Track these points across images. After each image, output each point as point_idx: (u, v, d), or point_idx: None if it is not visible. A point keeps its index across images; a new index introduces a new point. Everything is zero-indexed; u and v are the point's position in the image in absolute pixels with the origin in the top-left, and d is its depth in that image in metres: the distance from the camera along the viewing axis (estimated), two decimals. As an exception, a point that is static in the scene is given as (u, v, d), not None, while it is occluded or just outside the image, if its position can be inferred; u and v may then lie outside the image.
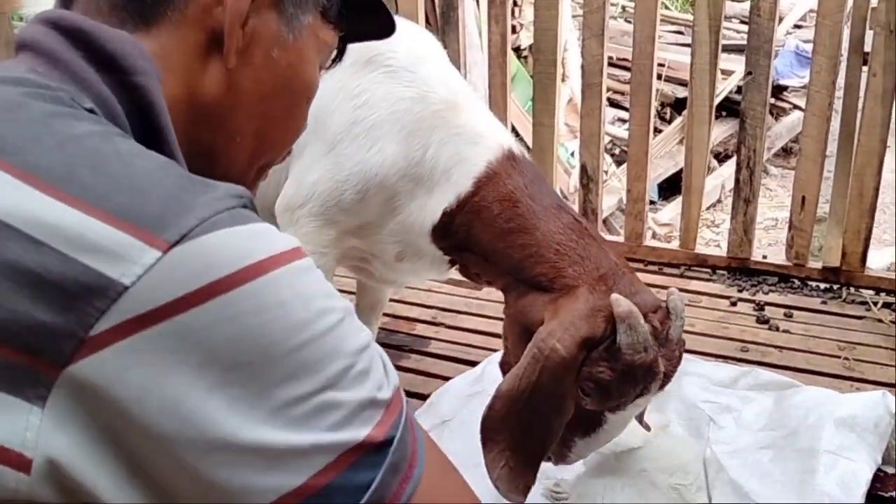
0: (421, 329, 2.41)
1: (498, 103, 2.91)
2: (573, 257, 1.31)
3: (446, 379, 2.05)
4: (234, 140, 0.80)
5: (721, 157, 5.91)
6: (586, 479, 1.55)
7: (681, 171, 3.11)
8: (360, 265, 1.68)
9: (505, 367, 1.45)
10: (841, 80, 2.46)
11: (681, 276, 2.73)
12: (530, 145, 2.94)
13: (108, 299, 0.54)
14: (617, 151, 5.55)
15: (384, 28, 0.98)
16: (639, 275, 2.69)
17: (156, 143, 0.68)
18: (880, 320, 2.40)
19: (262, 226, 0.61)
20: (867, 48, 2.40)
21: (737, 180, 2.68)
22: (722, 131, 5.77)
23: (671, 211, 5.08)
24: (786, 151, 6.34)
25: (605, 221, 4.02)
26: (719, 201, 5.55)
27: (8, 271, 0.54)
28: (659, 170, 5.38)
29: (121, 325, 0.54)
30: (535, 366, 1.24)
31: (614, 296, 1.23)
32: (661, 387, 1.29)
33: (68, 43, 0.68)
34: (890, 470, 1.71)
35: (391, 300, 2.53)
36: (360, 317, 2.04)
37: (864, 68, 2.41)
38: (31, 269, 0.54)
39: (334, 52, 0.91)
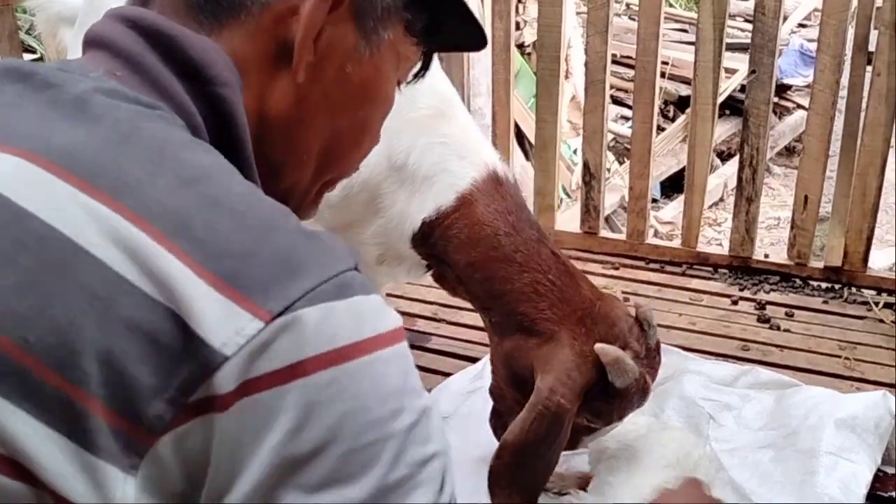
0: (421, 325, 2.41)
1: (501, 100, 2.90)
2: (552, 298, 1.33)
3: (446, 375, 2.05)
4: (300, 157, 0.77)
5: (724, 156, 5.90)
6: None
7: (683, 169, 3.10)
8: None
9: (495, 393, 1.48)
10: (845, 80, 2.45)
11: (682, 274, 2.73)
12: (533, 142, 2.94)
13: (209, 368, 0.53)
14: (620, 149, 5.54)
15: (473, 38, 0.89)
16: (640, 273, 2.72)
17: (234, 159, 0.66)
18: (882, 320, 2.39)
19: (361, 301, 0.58)
20: (871, 47, 2.39)
21: (739, 179, 2.67)
22: (725, 130, 5.76)
23: (673, 209, 5.07)
24: (789, 151, 6.33)
25: (607, 219, 4.01)
26: (721, 200, 5.54)
27: (121, 327, 0.53)
28: (661, 168, 5.37)
29: (217, 396, 0.54)
30: (542, 421, 1.28)
31: (598, 346, 1.29)
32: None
33: (149, 46, 0.66)
34: (890, 470, 1.71)
35: (391, 295, 2.53)
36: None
37: (868, 68, 2.40)
38: (144, 327, 0.53)
39: (417, 67, 0.86)
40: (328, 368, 0.55)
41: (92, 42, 0.68)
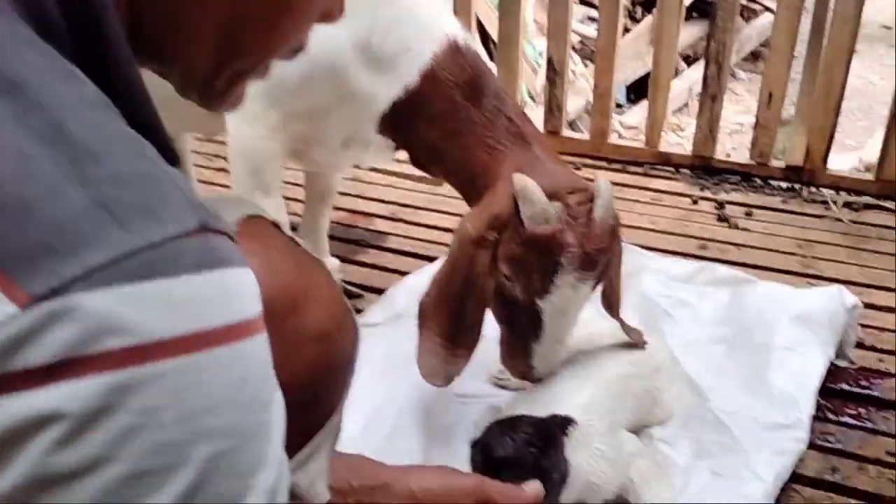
0: (379, 224, 2.36)
1: (463, -5, 2.80)
2: (500, 158, 1.34)
3: (404, 274, 2.02)
4: (187, 37, 0.63)
5: (690, 61, 5.81)
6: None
7: (649, 74, 3.04)
8: (304, 149, 1.61)
9: None
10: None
11: (644, 174, 2.70)
12: (496, 39, 2.84)
13: None
14: (587, 51, 5.43)
15: None
16: (602, 173, 2.69)
17: (95, 40, 0.54)
18: (839, 219, 2.40)
19: (186, 282, 0.45)
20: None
21: (704, 77, 2.62)
22: (691, 33, 5.66)
23: (638, 114, 5.01)
24: (754, 56, 6.26)
25: (571, 124, 3.94)
26: (686, 105, 5.48)
27: None
28: (627, 71, 5.28)
29: None
30: (453, 249, 1.33)
31: (515, 174, 1.27)
32: (587, 268, 1.28)
33: None
34: (842, 364, 1.73)
35: (349, 194, 2.47)
36: (310, 206, 1.96)
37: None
38: None
39: None
40: (114, 371, 0.43)
41: None
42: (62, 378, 0.42)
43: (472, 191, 1.39)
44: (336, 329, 0.84)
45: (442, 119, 1.38)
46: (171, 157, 0.53)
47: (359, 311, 1.90)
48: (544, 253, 1.25)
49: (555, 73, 2.74)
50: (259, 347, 0.49)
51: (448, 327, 1.36)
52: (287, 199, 1.64)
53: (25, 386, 0.42)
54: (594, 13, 5.34)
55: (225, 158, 2.69)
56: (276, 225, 0.87)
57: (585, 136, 2.86)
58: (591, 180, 1.33)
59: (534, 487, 1.13)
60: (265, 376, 0.50)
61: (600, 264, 1.30)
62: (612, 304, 1.46)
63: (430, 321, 1.37)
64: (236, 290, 0.48)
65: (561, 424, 1.27)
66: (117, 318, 0.43)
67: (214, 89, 0.69)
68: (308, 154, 1.63)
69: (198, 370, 0.45)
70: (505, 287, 1.32)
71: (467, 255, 1.30)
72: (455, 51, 1.39)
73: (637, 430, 1.49)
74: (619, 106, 5.02)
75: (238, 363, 0.48)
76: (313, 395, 0.84)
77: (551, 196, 1.25)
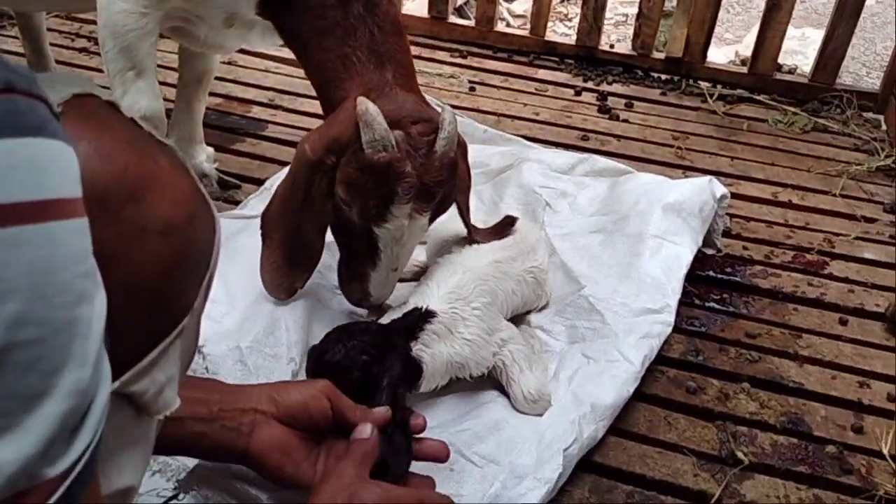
0: (257, 111, 2.27)
1: None
2: (352, 72, 1.33)
3: (283, 164, 1.95)
4: None
5: (579, -52, 5.75)
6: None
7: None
8: (185, 27, 1.52)
9: None
10: None
11: (528, 63, 2.68)
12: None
13: None
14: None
15: None
16: (487, 62, 2.65)
17: None
18: (714, 112, 2.46)
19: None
20: None
21: (590, -35, 2.59)
22: (581, -81, 5.57)
23: (525, 3, 4.95)
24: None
25: (458, 10, 3.86)
26: (574, -6, 5.45)
27: None
28: (516, -43, 5.17)
29: None
30: (292, 167, 1.33)
31: (359, 98, 1.25)
32: (424, 199, 1.27)
33: None
34: (709, 251, 1.81)
35: (225, 80, 2.35)
36: (185, 91, 1.87)
37: None
38: None
39: None
40: None
41: None
42: None
43: (324, 97, 1.37)
44: (185, 221, 0.77)
45: (311, 13, 1.34)
46: None
47: (237, 202, 1.83)
48: (381, 181, 1.24)
49: (440, -46, 2.65)
50: (74, 233, 0.45)
51: (287, 244, 1.36)
52: (159, 84, 1.54)
53: None
54: None
55: (87, 38, 2.51)
56: (112, 105, 0.79)
57: (471, 23, 2.80)
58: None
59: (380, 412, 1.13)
60: (81, 267, 0.46)
61: (438, 196, 1.28)
62: (465, 221, 1.48)
63: (271, 234, 1.38)
64: (48, 165, 0.44)
65: (420, 318, 1.28)
66: None
67: None
68: (191, 32, 1.53)
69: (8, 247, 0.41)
70: (342, 210, 1.30)
71: (304, 176, 1.29)
72: None
73: (519, 316, 1.52)
74: (507, -7, 4.94)
75: (44, 246, 0.43)
76: (159, 295, 0.77)
77: (394, 124, 1.24)
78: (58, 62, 2.27)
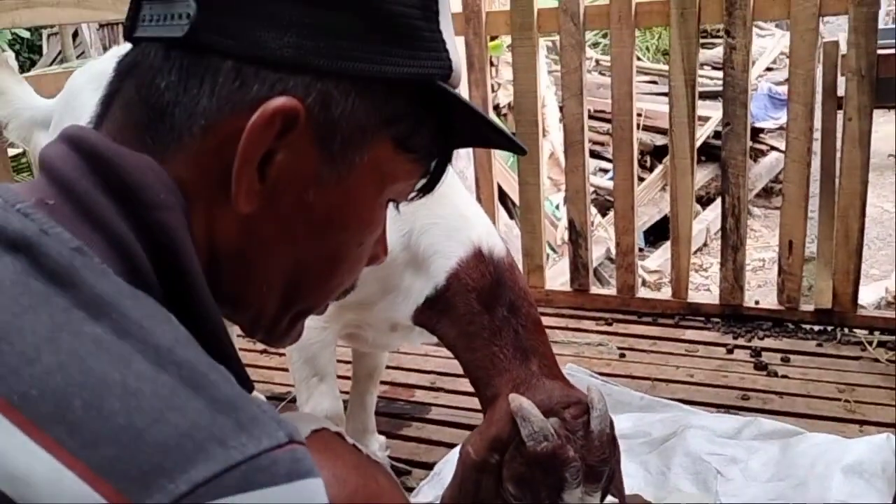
0: (420, 395, 2.39)
1: (483, 164, 2.95)
2: (501, 369, 1.41)
3: (450, 446, 2.03)
4: (258, 288, 0.70)
5: (703, 202, 5.96)
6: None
7: (665, 217, 3.14)
8: (355, 332, 1.71)
9: None
10: (818, 123, 2.51)
11: (675, 325, 2.74)
12: (515, 201, 2.97)
13: None
14: (601, 201, 5.59)
15: (496, 138, 0.78)
16: (633, 327, 2.73)
17: (182, 290, 0.61)
18: (877, 360, 2.41)
19: (282, 492, 0.49)
20: (840, 92, 2.45)
21: (723, 229, 2.70)
22: (702, 176, 5.85)
23: (659, 257, 5.10)
24: (767, 192, 6.42)
25: (594, 272, 4.03)
26: (705, 244, 5.58)
27: None
28: (644, 217, 5.42)
29: None
30: (457, 470, 1.37)
31: (511, 395, 1.32)
32: (592, 480, 1.30)
33: (87, 169, 0.60)
34: (901, 514, 1.70)
35: (389, 366, 2.52)
36: (359, 385, 2.02)
37: (839, 112, 2.46)
38: None
39: (424, 180, 0.76)
40: None
41: (40, 163, 0.64)
42: None
43: (478, 392, 1.47)
44: None
45: (460, 320, 1.47)
46: (247, 384, 0.59)
47: (409, 489, 1.90)
48: (548, 470, 1.28)
49: (577, 234, 2.84)
50: None
51: None
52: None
53: None
54: (605, 164, 5.54)
55: (265, 339, 2.78)
56: (340, 435, 0.92)
57: (613, 291, 2.92)
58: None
59: None
60: None
61: (605, 474, 1.32)
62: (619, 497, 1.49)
63: None
64: (320, 498, 0.52)
65: None
66: None
67: (278, 329, 0.75)
68: (362, 336, 1.71)
69: None
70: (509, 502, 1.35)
71: (471, 479, 1.34)
72: (479, 257, 1.49)
73: None
74: (639, 250, 5.12)
75: None
76: None
77: (547, 412, 1.31)
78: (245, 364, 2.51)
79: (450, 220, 1.51)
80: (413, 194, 0.78)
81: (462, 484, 1.37)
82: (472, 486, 1.35)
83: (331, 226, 0.69)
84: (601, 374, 2.30)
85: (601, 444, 1.31)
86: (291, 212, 0.66)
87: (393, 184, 0.72)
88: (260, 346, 2.73)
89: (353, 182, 0.67)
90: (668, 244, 2.91)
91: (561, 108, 2.84)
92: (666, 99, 2.70)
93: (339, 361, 2.20)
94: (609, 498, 1.49)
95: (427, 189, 0.78)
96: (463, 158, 3.71)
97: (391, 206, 0.77)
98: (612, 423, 1.41)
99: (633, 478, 1.83)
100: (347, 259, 0.73)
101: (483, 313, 1.46)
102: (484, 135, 0.78)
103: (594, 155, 5.76)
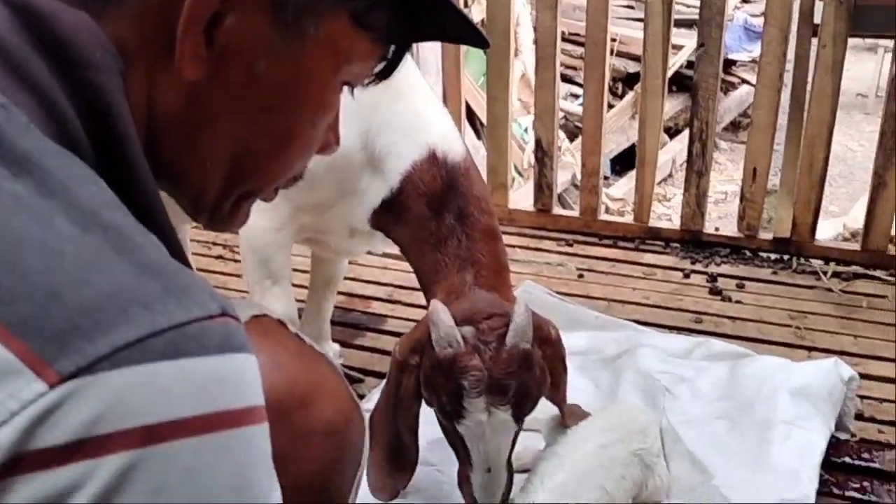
0: (377, 307, 2.38)
1: (451, 78, 2.88)
2: (440, 277, 1.42)
3: (403, 357, 2.02)
4: (201, 163, 0.67)
5: (672, 133, 5.95)
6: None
7: (633, 146, 3.12)
8: (315, 237, 1.68)
9: None
10: (791, 52, 2.48)
11: (635, 249, 2.74)
12: (484, 120, 2.92)
13: None
14: (570, 127, 5.55)
15: (462, 30, 0.76)
16: (594, 249, 2.72)
17: (115, 156, 0.58)
18: (830, 289, 2.44)
19: (205, 363, 0.47)
20: (816, 20, 2.41)
21: (689, 153, 2.69)
22: (672, 106, 5.81)
23: (624, 186, 5.10)
24: (734, 126, 6.41)
25: (559, 197, 4.01)
26: (670, 176, 5.59)
27: None
28: (611, 145, 5.39)
29: None
30: (388, 372, 1.41)
31: (433, 301, 1.34)
32: (496, 393, 1.29)
33: (19, 24, 0.56)
34: (843, 436, 1.74)
35: (346, 277, 2.49)
36: (316, 293, 2.01)
37: (814, 40, 2.43)
38: None
39: (380, 65, 0.73)
40: (130, 451, 0.44)
41: None
42: (80, 458, 0.43)
43: (425, 298, 1.46)
44: (344, 424, 0.85)
45: (411, 225, 1.46)
46: (184, 262, 0.56)
47: (361, 396, 1.90)
48: (449, 376, 1.28)
49: (543, 153, 2.81)
50: (265, 436, 0.51)
51: (388, 445, 1.41)
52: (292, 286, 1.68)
53: (44, 466, 0.43)
54: (576, 90, 5.48)
55: (223, 246, 2.73)
56: (282, 323, 0.89)
57: (576, 213, 2.91)
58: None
59: None
60: (269, 466, 0.51)
61: (511, 389, 1.29)
62: (560, 409, 1.51)
63: (376, 436, 1.40)
64: (251, 376, 0.50)
65: None
66: (137, 396, 0.44)
67: (221, 210, 0.72)
68: (323, 241, 1.69)
69: (211, 452, 0.46)
70: (434, 411, 1.36)
71: (394, 378, 1.37)
72: (432, 160, 1.45)
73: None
74: (605, 178, 5.11)
75: (248, 448, 0.49)
76: (324, 491, 0.84)
77: (465, 321, 1.30)
78: (197, 269, 2.47)
79: (407, 119, 1.47)
80: (370, 79, 0.74)
81: (387, 382, 1.41)
82: (394, 384, 1.37)
83: (282, 101, 0.66)
84: (559, 293, 2.30)
85: (510, 358, 1.29)
86: (240, 82, 0.63)
87: (349, 63, 0.68)
88: (215, 252, 2.68)
89: (307, 56, 0.64)
90: (633, 173, 2.89)
91: (535, 29, 2.76)
92: (641, 25, 2.64)
93: (296, 270, 2.18)
94: (545, 414, 1.50)
95: (384, 75, 0.74)
96: (432, 74, 3.63)
97: (346, 92, 0.73)
98: (550, 338, 1.38)
99: (583, 393, 1.85)
100: (298, 140, 0.70)
101: (432, 219, 1.45)
102: (446, 26, 0.74)
103: (566, 79, 5.68)
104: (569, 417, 1.52)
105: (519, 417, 1.34)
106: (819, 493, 1.53)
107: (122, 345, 0.44)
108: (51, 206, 0.48)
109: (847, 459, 1.69)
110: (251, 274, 1.63)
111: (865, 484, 1.62)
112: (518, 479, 1.45)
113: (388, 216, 1.49)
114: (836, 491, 1.60)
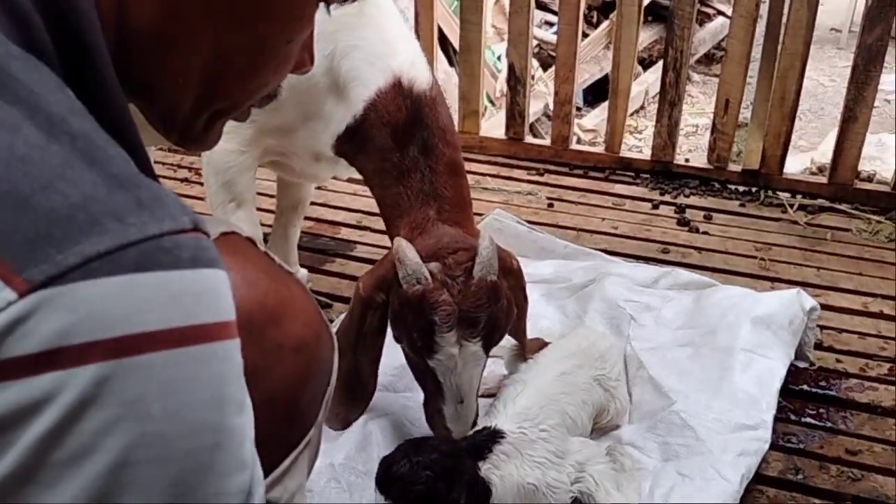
0: (345, 233, 2.37)
1: (424, 2, 2.81)
2: (402, 211, 1.42)
3: (371, 282, 2.02)
4: (173, 79, 0.65)
5: (646, 64, 5.89)
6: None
7: (606, 77, 3.09)
8: (280, 161, 1.65)
9: None
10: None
11: (605, 179, 2.74)
12: (457, 47, 2.86)
13: None
14: (544, 55, 5.47)
15: None
16: (564, 178, 2.72)
17: (83, 65, 0.55)
18: (796, 222, 2.46)
19: (178, 277, 0.46)
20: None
21: (663, 83, 2.67)
22: (648, 36, 5.74)
23: (596, 117, 5.07)
24: (708, 58, 6.36)
25: (531, 126, 3.98)
26: (643, 108, 5.56)
27: None
28: (585, 75, 5.34)
29: None
30: (351, 306, 1.41)
31: (396, 237, 1.33)
32: (467, 326, 1.30)
33: None
34: (802, 365, 1.78)
35: (315, 203, 2.47)
36: (282, 217, 1.99)
37: (791, -30, 2.40)
38: None
39: None
40: (104, 362, 0.44)
41: None
42: (53, 367, 0.43)
43: (387, 231, 1.46)
44: (314, 340, 0.85)
45: (374, 155, 1.44)
46: (151, 176, 0.54)
47: (329, 320, 1.90)
48: (419, 312, 1.28)
49: (516, 80, 2.77)
50: (237, 350, 0.51)
51: (346, 376, 1.40)
52: (258, 210, 1.65)
53: (17, 374, 0.43)
54: (551, 17, 5.39)
55: (188, 168, 2.69)
56: (251, 241, 0.88)
57: (547, 142, 2.89)
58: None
59: None
60: (242, 381, 0.51)
61: (481, 321, 1.30)
62: (519, 340, 1.53)
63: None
64: (224, 291, 0.50)
65: (488, 439, 1.30)
66: (110, 308, 0.44)
67: (193, 129, 0.71)
68: (288, 165, 1.66)
69: (186, 364, 0.46)
70: (403, 347, 1.37)
71: (358, 313, 1.37)
72: (397, 88, 1.42)
73: (602, 431, 1.52)
74: (577, 109, 5.08)
75: (223, 362, 0.49)
76: (293, 407, 0.84)
77: (430, 257, 1.31)
78: (161, 191, 2.43)
79: (373, 44, 1.44)
80: None
81: (351, 317, 1.40)
82: (358, 320, 1.38)
83: (257, 14, 0.64)
84: (529, 221, 2.30)
85: (478, 291, 1.30)
86: None
87: None
88: (181, 175, 2.64)
89: None
90: (605, 104, 2.86)
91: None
92: (618, -52, 2.58)
93: (262, 195, 2.15)
94: (507, 341, 1.52)
95: None
96: (404, -3, 3.55)
97: (322, 9, 0.71)
98: (512, 269, 1.39)
99: (550, 320, 1.86)
100: (273, 55, 0.69)
101: (395, 151, 1.43)
102: None
103: (540, 6, 5.59)
104: (528, 349, 1.55)
105: (488, 348, 1.36)
106: (776, 419, 1.57)
107: (93, 255, 0.44)
108: (16, 112, 0.47)
109: (805, 387, 1.73)
110: (214, 196, 1.61)
111: (822, 411, 1.67)
112: (482, 402, 1.48)
113: (352, 144, 1.47)
114: (793, 417, 1.64)
